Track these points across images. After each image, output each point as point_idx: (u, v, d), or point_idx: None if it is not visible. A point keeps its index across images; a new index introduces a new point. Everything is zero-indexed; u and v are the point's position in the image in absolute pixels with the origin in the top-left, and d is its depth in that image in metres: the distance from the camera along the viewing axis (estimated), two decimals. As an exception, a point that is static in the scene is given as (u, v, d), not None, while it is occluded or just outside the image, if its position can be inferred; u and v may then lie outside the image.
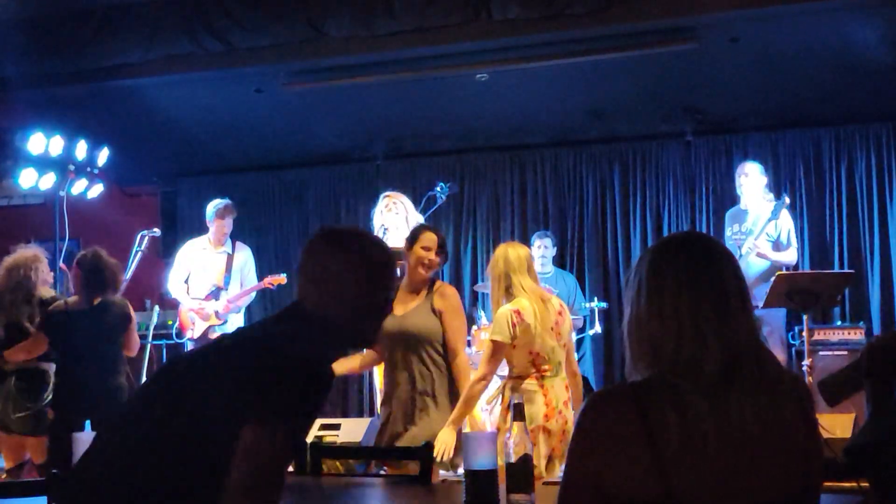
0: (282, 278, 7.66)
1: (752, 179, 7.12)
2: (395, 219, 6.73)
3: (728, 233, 7.14)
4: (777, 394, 1.86)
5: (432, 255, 4.60)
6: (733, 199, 8.42)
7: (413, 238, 4.66)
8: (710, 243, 2.01)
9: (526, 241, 8.34)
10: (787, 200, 7.03)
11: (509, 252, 4.58)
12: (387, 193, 6.97)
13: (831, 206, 8.16)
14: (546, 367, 4.49)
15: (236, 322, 7.66)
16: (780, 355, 6.81)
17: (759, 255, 6.79)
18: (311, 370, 2.04)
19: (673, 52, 6.89)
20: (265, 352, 2.07)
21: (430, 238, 4.61)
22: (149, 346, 7.69)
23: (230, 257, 7.65)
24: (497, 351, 4.50)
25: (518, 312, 4.44)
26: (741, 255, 6.79)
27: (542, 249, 8.09)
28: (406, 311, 4.55)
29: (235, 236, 7.85)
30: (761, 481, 1.81)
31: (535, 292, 4.54)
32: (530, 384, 4.47)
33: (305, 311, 2.24)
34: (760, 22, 6.63)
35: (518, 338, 4.44)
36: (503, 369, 4.74)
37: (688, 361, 1.84)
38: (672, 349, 1.86)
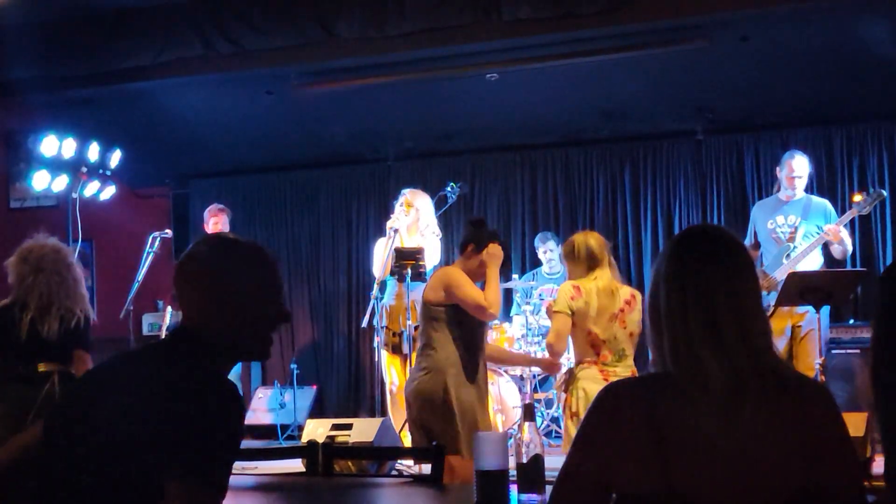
0: None
1: (805, 171, 6.84)
2: (405, 220, 6.76)
3: (769, 225, 6.81)
4: (787, 403, 1.84)
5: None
6: (744, 198, 8.41)
7: (482, 245, 4.71)
8: (714, 244, 1.92)
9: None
10: (884, 194, 6.78)
11: (590, 240, 4.68)
12: (405, 192, 6.96)
13: (843, 205, 8.13)
14: (606, 352, 4.58)
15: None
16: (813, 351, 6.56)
17: (840, 239, 6.51)
18: (217, 414, 1.93)
19: (683, 51, 6.87)
20: (169, 403, 1.93)
21: (496, 253, 4.71)
22: (161, 347, 7.71)
23: None
24: (559, 323, 4.60)
25: (577, 287, 4.57)
26: (794, 248, 6.66)
27: (549, 253, 8.11)
28: None
29: (247, 237, 7.87)
30: (766, 483, 1.80)
31: (606, 280, 4.64)
32: (590, 369, 4.56)
33: (193, 335, 2.09)
34: (770, 20, 6.61)
35: (575, 313, 4.55)
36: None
37: (692, 376, 1.83)
38: (672, 361, 1.86)
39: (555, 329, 4.67)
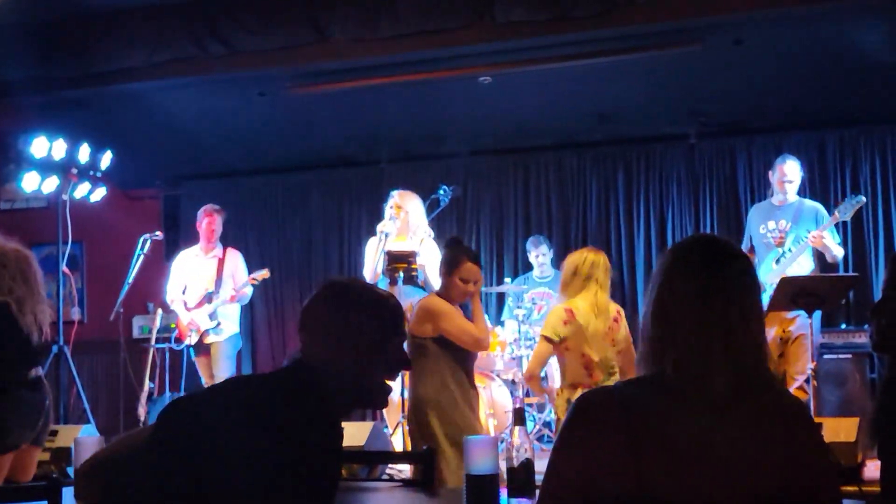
0: (265, 273, 7.68)
1: (796, 176, 6.90)
2: (394, 225, 6.72)
3: (761, 230, 6.87)
4: (777, 416, 1.87)
5: (470, 288, 4.59)
6: (737, 202, 8.40)
7: (454, 265, 4.60)
8: (725, 253, 1.97)
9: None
10: (864, 200, 6.79)
11: (593, 258, 4.69)
12: (394, 194, 6.92)
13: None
14: (598, 372, 4.56)
15: (230, 326, 7.68)
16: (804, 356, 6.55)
17: (823, 245, 6.56)
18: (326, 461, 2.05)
19: (677, 54, 6.86)
20: (283, 447, 2.00)
21: (470, 270, 4.57)
22: (151, 349, 7.69)
23: (220, 261, 7.72)
24: (546, 348, 4.57)
25: (570, 311, 4.54)
26: (783, 253, 6.65)
27: (540, 257, 8.09)
28: None
29: (239, 239, 7.85)
30: (744, 488, 1.81)
31: (595, 300, 4.61)
32: None
33: (312, 370, 2.13)
34: (764, 24, 6.60)
35: (569, 338, 4.49)
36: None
37: (694, 376, 1.84)
38: (676, 359, 1.86)
39: (536, 353, 4.66)
